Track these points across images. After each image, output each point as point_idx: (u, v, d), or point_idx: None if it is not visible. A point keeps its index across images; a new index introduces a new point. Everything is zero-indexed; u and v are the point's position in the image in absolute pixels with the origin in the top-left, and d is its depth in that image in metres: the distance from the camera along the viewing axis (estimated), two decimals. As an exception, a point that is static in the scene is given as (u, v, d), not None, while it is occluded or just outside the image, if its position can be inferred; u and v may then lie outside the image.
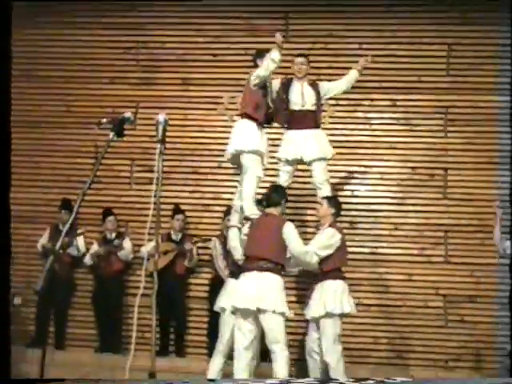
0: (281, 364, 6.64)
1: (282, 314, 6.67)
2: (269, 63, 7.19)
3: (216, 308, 7.54)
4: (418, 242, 9.18)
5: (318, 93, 7.80)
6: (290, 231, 6.88)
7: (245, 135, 7.37)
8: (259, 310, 6.60)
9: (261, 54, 7.50)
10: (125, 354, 7.71)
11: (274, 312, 6.61)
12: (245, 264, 6.94)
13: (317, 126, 7.81)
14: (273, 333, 6.65)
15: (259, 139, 7.42)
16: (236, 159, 7.48)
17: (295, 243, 6.91)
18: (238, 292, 6.80)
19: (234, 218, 7.57)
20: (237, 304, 6.73)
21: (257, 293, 6.63)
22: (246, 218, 7.29)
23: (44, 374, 3.93)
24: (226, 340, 7.28)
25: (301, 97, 7.72)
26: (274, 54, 7.17)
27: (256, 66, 7.45)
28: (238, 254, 7.32)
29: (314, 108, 7.78)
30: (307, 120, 7.74)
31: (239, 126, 7.49)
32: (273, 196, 7.12)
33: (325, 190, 7.67)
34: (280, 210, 7.11)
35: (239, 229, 7.48)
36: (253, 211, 7.23)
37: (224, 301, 7.35)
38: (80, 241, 9.36)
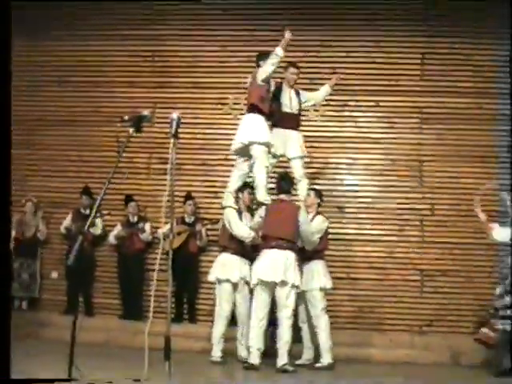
0: (285, 329, 6.72)
1: (298, 286, 6.81)
2: (274, 59, 7.18)
3: (211, 278, 7.49)
4: (398, 224, 9.17)
5: (300, 100, 7.81)
6: (304, 215, 7.02)
7: (255, 128, 7.28)
8: (282, 283, 6.67)
9: (263, 55, 7.47)
10: (145, 321, 7.68)
11: (292, 285, 6.72)
12: (265, 243, 6.93)
13: (298, 127, 7.80)
14: (285, 303, 6.74)
15: (268, 131, 7.39)
16: (244, 150, 7.37)
17: (307, 225, 7.06)
18: (263, 267, 6.81)
19: (230, 200, 7.50)
20: (263, 277, 6.76)
21: (280, 268, 6.70)
22: (260, 204, 7.22)
23: (76, 338, 3.93)
24: (226, 308, 7.29)
25: (289, 101, 7.71)
26: (279, 51, 7.19)
27: (258, 67, 7.42)
28: (242, 229, 7.28)
29: (297, 112, 7.79)
30: (292, 121, 7.74)
31: (248, 119, 7.39)
32: (283, 184, 7.19)
33: (303, 183, 7.69)
34: (290, 196, 7.18)
35: (234, 209, 7.44)
36: (266, 198, 7.21)
37: (219, 272, 7.37)
38: (100, 222, 9.37)
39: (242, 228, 7.30)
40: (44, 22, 9.98)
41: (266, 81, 7.41)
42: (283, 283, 6.68)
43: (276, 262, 6.74)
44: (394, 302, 8.95)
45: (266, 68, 7.28)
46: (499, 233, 6.89)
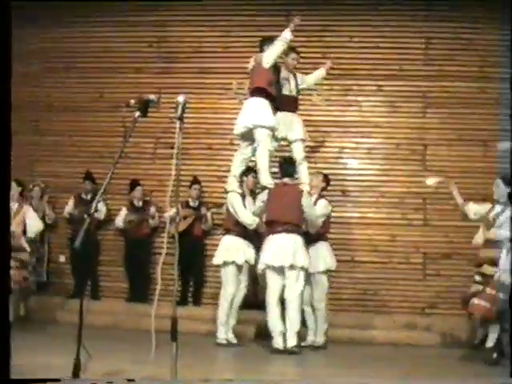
0: (295, 311, 6.78)
1: (306, 269, 6.84)
2: (281, 42, 7.15)
3: (217, 261, 7.48)
4: (401, 207, 9.20)
5: (297, 82, 7.80)
6: (307, 199, 7.04)
7: (260, 111, 7.22)
8: (291, 266, 6.71)
9: (267, 40, 7.43)
10: (151, 304, 7.74)
11: (301, 268, 6.76)
12: (271, 227, 6.94)
13: (296, 110, 7.81)
14: (295, 285, 6.78)
15: (273, 115, 7.34)
16: (248, 133, 7.32)
17: (312, 209, 7.09)
18: (272, 252, 6.82)
19: (233, 184, 7.48)
20: (272, 262, 6.77)
21: (288, 251, 6.74)
22: (264, 188, 7.23)
23: (83, 321, 3.96)
24: (230, 290, 7.30)
25: (288, 84, 7.70)
26: (287, 34, 7.15)
27: (262, 52, 7.38)
28: (246, 216, 7.27)
29: (295, 94, 7.79)
30: (292, 104, 7.74)
31: (253, 102, 7.31)
32: (287, 167, 7.20)
33: (304, 166, 7.67)
34: (293, 180, 7.19)
35: (238, 194, 7.42)
36: (270, 181, 7.19)
37: (224, 255, 7.35)
38: (103, 206, 9.39)
39: (246, 214, 7.29)
40: (49, 9, 9.96)
41: (272, 64, 7.36)
42: (292, 267, 6.72)
43: (284, 247, 6.77)
44: (397, 284, 9.02)
45: (273, 51, 7.25)
46: (471, 209, 6.92)
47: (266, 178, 7.20)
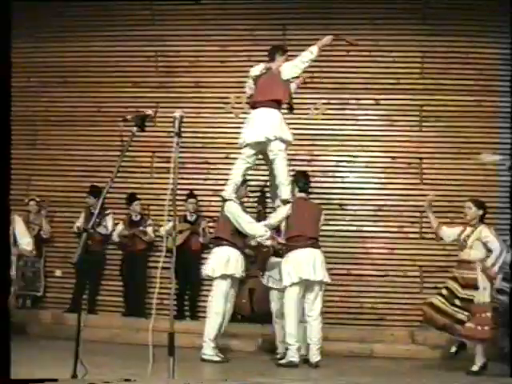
0: (317, 326, 6.91)
1: (325, 283, 7.03)
2: (308, 56, 6.90)
3: (215, 274, 7.14)
4: (398, 220, 9.21)
5: None
6: (323, 215, 7.32)
7: (282, 125, 6.97)
8: (313, 281, 6.89)
9: (279, 49, 7.24)
10: (147, 318, 7.72)
11: (322, 282, 6.94)
12: (295, 241, 6.96)
13: None
14: (316, 300, 6.94)
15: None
16: (262, 144, 6.98)
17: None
18: (302, 265, 6.87)
19: (234, 192, 7.14)
20: (306, 276, 6.84)
21: (314, 266, 6.88)
22: (285, 202, 7.03)
23: (80, 335, 3.95)
24: (224, 304, 7.10)
25: None
26: (315, 50, 6.93)
27: (271, 61, 7.10)
28: (255, 227, 7.07)
29: None
30: None
31: (272, 114, 6.93)
32: (303, 182, 7.29)
33: None
34: (308, 195, 7.34)
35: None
36: (290, 196, 7.08)
37: (223, 268, 7.09)
38: (109, 221, 9.38)
39: (256, 225, 7.11)
40: (47, 23, 10.01)
41: (292, 77, 7.10)
42: (313, 281, 6.88)
43: (310, 261, 6.89)
44: (394, 297, 9.00)
45: (298, 66, 6.94)
46: (446, 232, 7.10)
47: (288, 193, 7.04)
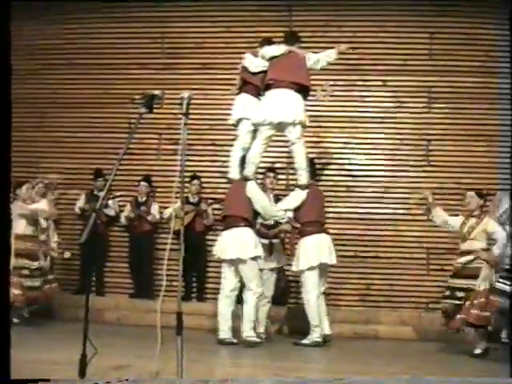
0: (324, 304, 7.33)
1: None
2: (329, 58, 7.26)
3: (230, 256, 6.94)
4: (405, 202, 9.20)
5: None
6: None
7: (302, 108, 7.08)
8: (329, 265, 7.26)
9: (297, 35, 7.51)
10: (155, 299, 7.77)
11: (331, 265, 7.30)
12: (311, 226, 7.13)
13: None
14: (323, 283, 7.31)
15: None
16: (281, 126, 7.04)
17: None
18: (321, 250, 7.08)
19: (251, 169, 7.13)
20: (325, 260, 7.09)
21: (332, 250, 7.21)
22: (304, 187, 7.16)
23: (88, 316, 3.98)
24: (232, 286, 7.04)
25: None
26: (334, 55, 7.29)
27: (289, 44, 7.27)
28: (273, 209, 7.19)
29: None
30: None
31: (295, 97, 7.02)
32: (313, 168, 7.42)
33: None
34: (315, 181, 7.51)
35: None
36: (309, 180, 7.22)
37: (253, 250, 6.89)
38: (114, 203, 9.42)
39: (273, 207, 7.25)
40: (53, 5, 9.98)
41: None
42: (326, 264, 7.17)
43: (326, 245, 7.14)
44: (401, 279, 9.03)
45: (320, 60, 7.24)
46: (440, 216, 7.26)
47: (307, 178, 7.18)
